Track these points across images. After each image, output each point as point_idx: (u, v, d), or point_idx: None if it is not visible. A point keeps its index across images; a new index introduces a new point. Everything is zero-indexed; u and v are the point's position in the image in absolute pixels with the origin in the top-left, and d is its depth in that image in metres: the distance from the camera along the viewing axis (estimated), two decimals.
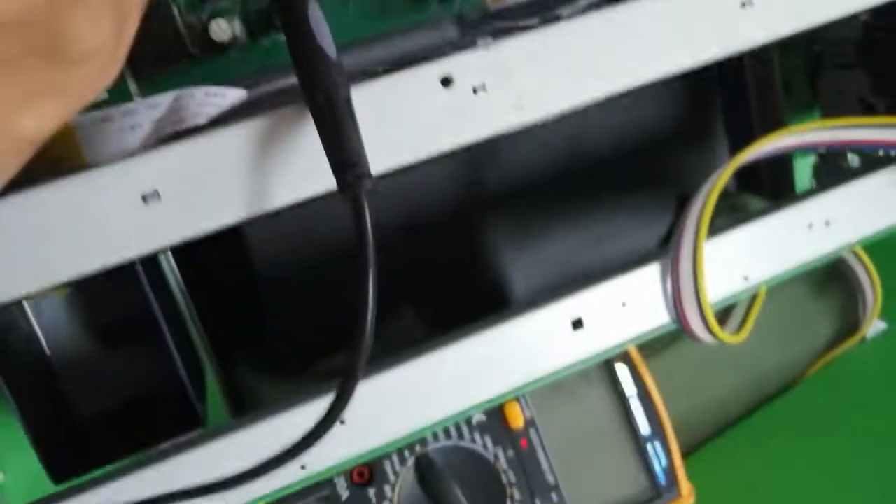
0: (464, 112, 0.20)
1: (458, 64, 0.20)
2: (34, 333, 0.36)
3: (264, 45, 0.25)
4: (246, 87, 0.23)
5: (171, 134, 0.20)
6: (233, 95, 0.21)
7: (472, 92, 0.20)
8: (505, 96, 0.20)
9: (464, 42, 0.23)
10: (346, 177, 0.17)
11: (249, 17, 0.24)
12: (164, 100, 0.20)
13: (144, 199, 0.18)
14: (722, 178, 0.31)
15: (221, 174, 0.18)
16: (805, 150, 0.31)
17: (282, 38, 0.24)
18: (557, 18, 0.21)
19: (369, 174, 0.17)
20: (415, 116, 0.19)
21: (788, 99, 0.38)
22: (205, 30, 0.23)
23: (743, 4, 0.22)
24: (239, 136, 0.18)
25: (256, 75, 0.24)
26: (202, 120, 0.20)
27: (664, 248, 0.33)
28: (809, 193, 0.34)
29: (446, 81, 0.20)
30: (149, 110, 0.20)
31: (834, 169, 0.38)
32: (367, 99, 0.19)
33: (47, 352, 0.36)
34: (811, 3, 0.22)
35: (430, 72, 0.20)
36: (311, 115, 0.18)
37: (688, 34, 0.21)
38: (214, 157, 0.18)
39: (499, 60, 0.20)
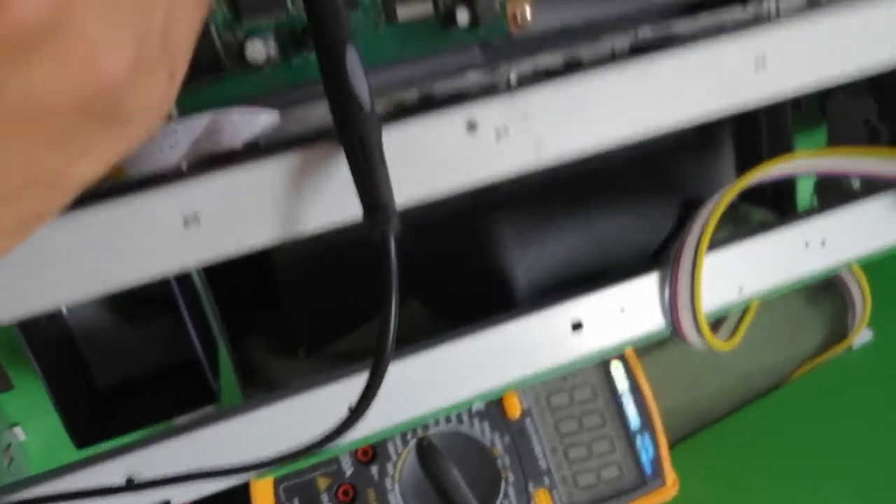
0: (485, 154, 0.21)
1: (482, 109, 0.21)
2: (58, 308, 0.38)
3: (297, 63, 0.26)
4: (278, 102, 0.25)
5: (208, 154, 0.21)
6: (266, 118, 0.22)
7: (494, 136, 0.21)
8: (525, 140, 0.21)
9: (487, 79, 0.24)
10: (376, 218, 0.18)
11: (282, 35, 0.25)
12: (201, 121, 0.22)
13: (185, 221, 0.19)
14: (727, 196, 0.32)
15: (258, 201, 0.19)
16: (810, 174, 0.32)
17: (314, 56, 0.25)
18: (580, 64, 0.22)
19: (396, 216, 0.18)
20: (439, 157, 0.21)
21: (797, 114, 0.39)
22: (240, 47, 0.24)
23: (757, 64, 0.23)
24: (276, 166, 0.19)
25: (288, 91, 0.25)
26: (237, 142, 0.21)
27: (664, 257, 0.34)
28: (808, 213, 0.35)
29: (471, 126, 0.21)
30: (187, 130, 0.21)
31: (835, 186, 0.39)
32: (397, 139, 0.20)
33: (70, 324, 0.38)
34: (824, 63, 0.23)
35: (456, 116, 0.21)
36: (343, 152, 0.19)
37: (704, 89, 0.23)
38: (252, 185, 0.19)
39: (521, 106, 0.21)
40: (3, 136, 0.13)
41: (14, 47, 0.12)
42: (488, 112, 0.21)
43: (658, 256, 0.43)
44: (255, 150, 0.20)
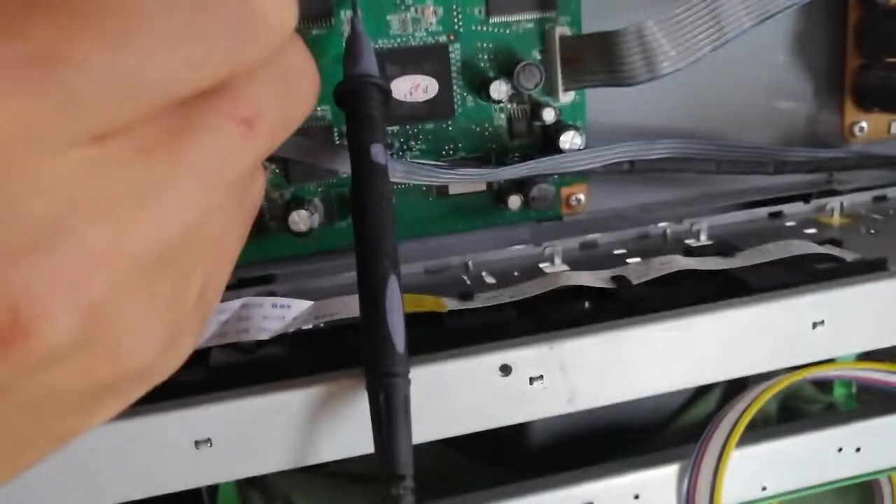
0: (517, 398, 0.20)
1: (518, 355, 0.20)
2: None
3: (341, 227, 0.25)
4: (317, 265, 0.24)
5: (233, 342, 0.21)
6: (298, 308, 0.21)
7: (528, 381, 0.20)
8: (558, 388, 0.20)
9: (531, 252, 0.23)
10: (392, 488, 0.17)
11: (331, 197, 0.25)
12: (233, 304, 0.21)
13: (196, 444, 0.18)
14: (761, 398, 0.31)
15: (272, 430, 0.19)
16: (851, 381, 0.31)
17: None
18: (625, 280, 0.22)
19: (413, 489, 0.17)
20: (469, 398, 0.20)
21: None
22: (285, 209, 0.24)
23: (815, 325, 0.22)
24: (295, 398, 0.19)
25: (328, 254, 0.25)
26: (264, 335, 0.21)
27: (683, 442, 0.33)
28: (845, 418, 0.33)
29: (505, 369, 0.20)
30: (217, 314, 0.21)
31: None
32: (428, 377, 0.20)
33: None
34: (884, 329, 0.23)
35: (491, 360, 0.20)
36: (365, 391, 0.18)
37: (755, 348, 0.22)
38: (268, 414, 0.19)
39: (559, 355, 0.20)
40: (14, 415, 0.12)
41: (35, 366, 0.11)
42: (524, 358, 0.20)
43: (677, 419, 0.41)
44: (278, 348, 0.19)
